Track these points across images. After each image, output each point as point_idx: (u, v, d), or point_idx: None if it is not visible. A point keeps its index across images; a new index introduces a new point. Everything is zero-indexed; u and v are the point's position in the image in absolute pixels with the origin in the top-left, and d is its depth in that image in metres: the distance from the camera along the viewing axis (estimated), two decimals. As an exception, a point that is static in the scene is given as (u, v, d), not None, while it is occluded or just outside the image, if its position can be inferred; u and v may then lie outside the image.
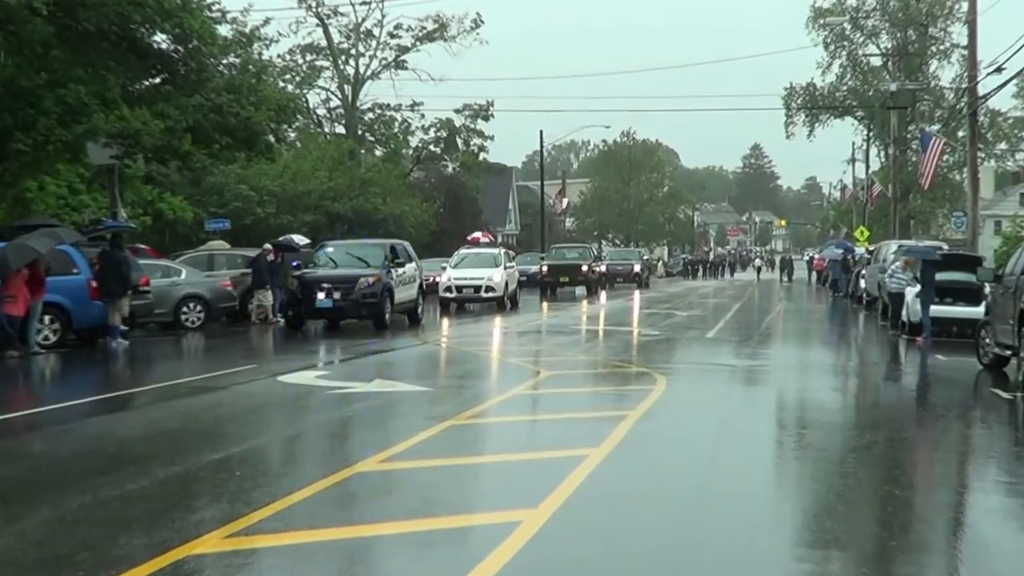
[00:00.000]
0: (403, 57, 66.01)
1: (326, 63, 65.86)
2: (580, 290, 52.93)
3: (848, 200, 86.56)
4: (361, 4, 64.79)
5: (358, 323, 29.20)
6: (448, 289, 38.26)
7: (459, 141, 67.42)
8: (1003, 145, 73.25)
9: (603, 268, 58.45)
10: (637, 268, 64.94)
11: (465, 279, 38.21)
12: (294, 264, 31.39)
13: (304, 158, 53.87)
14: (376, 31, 65.36)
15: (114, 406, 15.22)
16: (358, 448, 11.84)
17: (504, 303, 38.34)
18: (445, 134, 66.94)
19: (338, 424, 13.49)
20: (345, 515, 8.59)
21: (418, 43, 65.18)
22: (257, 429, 13.34)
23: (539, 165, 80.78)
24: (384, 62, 66.09)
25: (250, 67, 31.29)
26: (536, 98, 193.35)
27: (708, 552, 7.52)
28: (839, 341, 28.24)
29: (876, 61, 69.37)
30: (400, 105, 66.04)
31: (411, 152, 68.21)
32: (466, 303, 38.93)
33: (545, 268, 52.13)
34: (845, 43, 70.33)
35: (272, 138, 33.00)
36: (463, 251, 42.10)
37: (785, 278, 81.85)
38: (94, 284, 24.00)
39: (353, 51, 65.87)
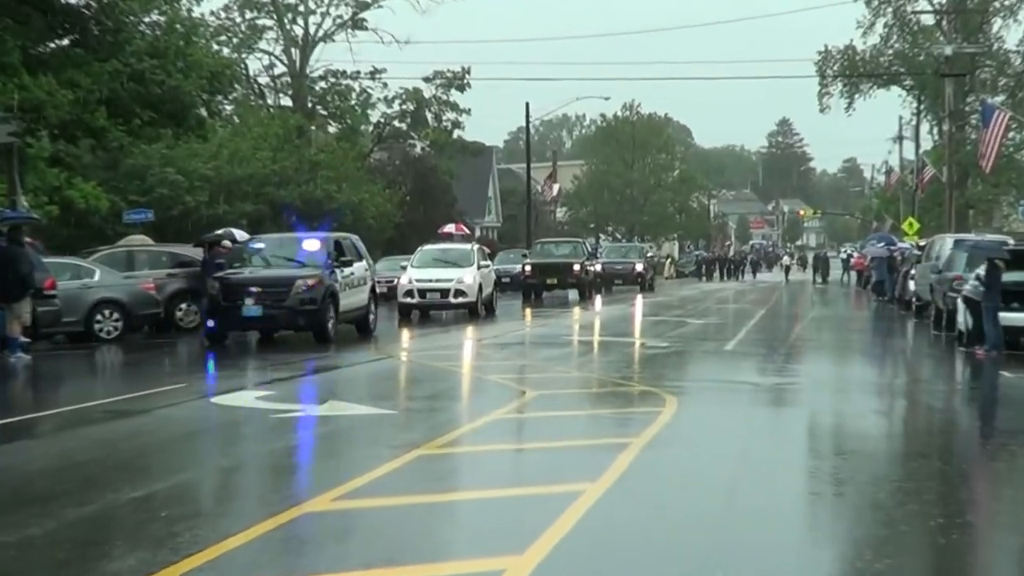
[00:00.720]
0: (362, 15, 66.14)
1: (269, 22, 65.98)
2: (572, 294, 53.00)
3: (894, 186, 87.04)
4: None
5: (297, 335, 29.09)
6: (408, 293, 37.99)
7: (429, 116, 67.45)
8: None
9: (598, 267, 58.44)
10: (640, 267, 65.14)
11: (430, 281, 37.92)
12: (217, 263, 30.98)
13: (243, 136, 53.78)
14: (330, -18, 65.51)
15: (13, 434, 15.14)
16: (307, 483, 11.83)
17: (478, 310, 38.34)
18: (412, 107, 66.96)
19: (283, 454, 13.48)
20: (291, 564, 8.56)
21: (380, -4, 65.36)
22: (186, 461, 13.32)
23: (525, 144, 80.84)
24: (339, 20, 66.22)
25: (177, 26, 31.28)
26: (521, 64, 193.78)
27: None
28: (883, 354, 28.29)
29: (928, 19, 69.61)
30: (358, 73, 66.07)
31: (371, 129, 68.21)
32: (431, 310, 38.91)
33: (528, 268, 52.21)
34: (891, -2, 70.62)
35: (204, 112, 32.98)
36: (428, 247, 42.04)
37: (819, 279, 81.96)
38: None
39: (302, 7, 65.91)
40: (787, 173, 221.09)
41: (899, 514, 10.40)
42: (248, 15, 65.09)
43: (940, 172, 63.76)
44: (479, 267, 39.25)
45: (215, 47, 43.65)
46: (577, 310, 44.93)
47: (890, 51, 72.57)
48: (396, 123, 68.19)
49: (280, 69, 67.27)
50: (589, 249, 58.60)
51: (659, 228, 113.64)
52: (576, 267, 52.07)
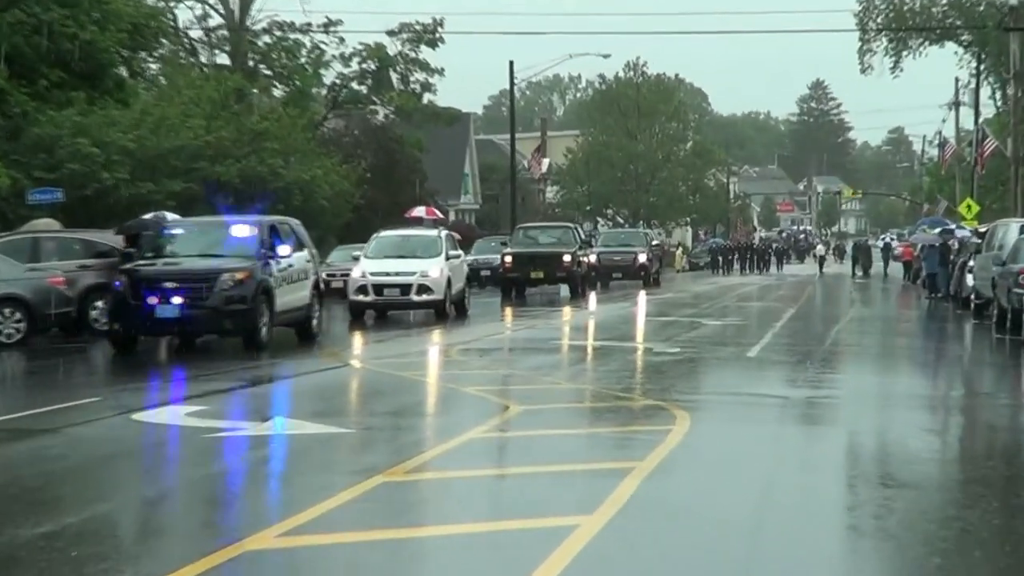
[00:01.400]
0: (314, -45, 66.03)
1: (203, -37, 65.70)
2: (562, 291, 53.06)
3: (949, 161, 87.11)
4: None
5: (223, 341, 29.04)
6: (361, 290, 37.64)
7: (394, 77, 67.40)
8: None
9: (593, 258, 58.50)
10: (643, 258, 65.08)
11: (387, 275, 37.63)
12: (127, 253, 30.47)
13: (171, 101, 53.58)
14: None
15: None
16: (249, 516, 11.79)
17: (446, 310, 38.15)
18: (374, 67, 66.88)
19: (219, 482, 13.47)
20: (228, 613, 8.55)
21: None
22: (102, 490, 13.26)
23: (509, 111, 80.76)
24: (286, -39, 66.11)
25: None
26: (504, 15, 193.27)
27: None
28: (936, 362, 28.33)
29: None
30: (309, 25, 66.04)
31: (325, 93, 68.06)
32: (389, 310, 38.89)
33: (507, 259, 51.97)
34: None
35: (124, 72, 32.90)
36: (386, 234, 41.72)
37: (859, 272, 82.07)
38: None
39: (242, -54, 65.75)
40: (821, 146, 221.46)
41: (960, 562, 10.29)
42: (177, -45, 64.95)
43: (1004, 144, 63.88)
44: (448, 258, 38.97)
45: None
46: (568, 310, 44.95)
47: (944, 2, 72.66)
48: (354, 85, 68.14)
49: (216, 20, 67.17)
50: (582, 236, 57.96)
51: (669, 211, 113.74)
52: (566, 258, 51.60)
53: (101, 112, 44.72)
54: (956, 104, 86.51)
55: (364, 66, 66.92)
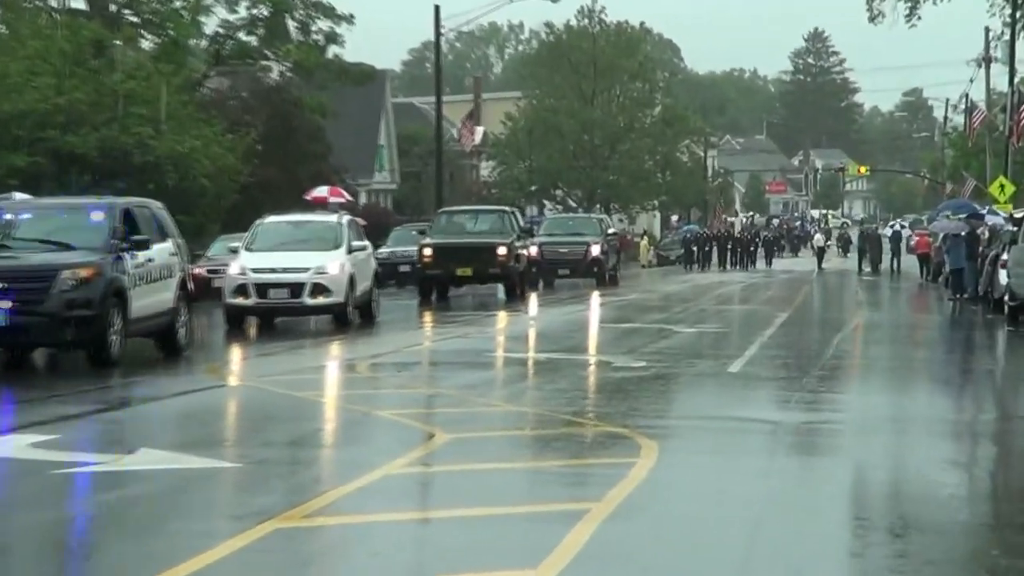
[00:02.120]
0: None
1: None
2: (497, 291, 53.32)
3: (978, 130, 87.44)
4: None
5: (63, 354, 28.91)
6: (240, 291, 37.40)
7: (291, 25, 67.23)
8: None
9: (534, 251, 58.48)
10: (596, 250, 65.18)
11: (273, 272, 37.44)
12: None
13: (12, 54, 53.36)
14: None
15: None
16: (107, 573, 11.74)
17: (347, 315, 38.02)
18: (267, 12, 66.70)
19: (70, 529, 13.38)
20: None
21: None
22: (-77, 540, 13.17)
23: (434, 68, 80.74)
24: None
25: None
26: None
27: None
28: (963, 379, 28.49)
29: None
30: (186, -39, 65.74)
31: (206, 45, 67.83)
32: (276, 316, 38.88)
33: (427, 252, 51.60)
34: None
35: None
36: (271, 220, 41.25)
37: (867, 267, 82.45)
38: None
39: None
40: (820, 111, 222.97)
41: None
42: None
43: (1045, 110, 64.28)
44: (351, 250, 38.97)
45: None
46: (504, 315, 45.16)
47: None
48: (242, 36, 67.97)
49: (68, -48, 66.79)
50: (520, 223, 57.62)
51: (632, 193, 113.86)
52: (501, 250, 51.18)
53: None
54: (987, 60, 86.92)
55: (254, 12, 66.83)
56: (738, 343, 34.22)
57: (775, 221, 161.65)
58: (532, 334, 37.92)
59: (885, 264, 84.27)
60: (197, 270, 41.89)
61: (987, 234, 50.64)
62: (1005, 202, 59.37)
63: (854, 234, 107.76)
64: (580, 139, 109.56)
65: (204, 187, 53.79)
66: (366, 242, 42.06)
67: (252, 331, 37.46)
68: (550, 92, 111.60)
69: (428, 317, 43.72)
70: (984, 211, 56.43)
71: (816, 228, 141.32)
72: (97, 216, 28.93)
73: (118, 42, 63.02)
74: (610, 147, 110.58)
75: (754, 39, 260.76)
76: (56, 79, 52.29)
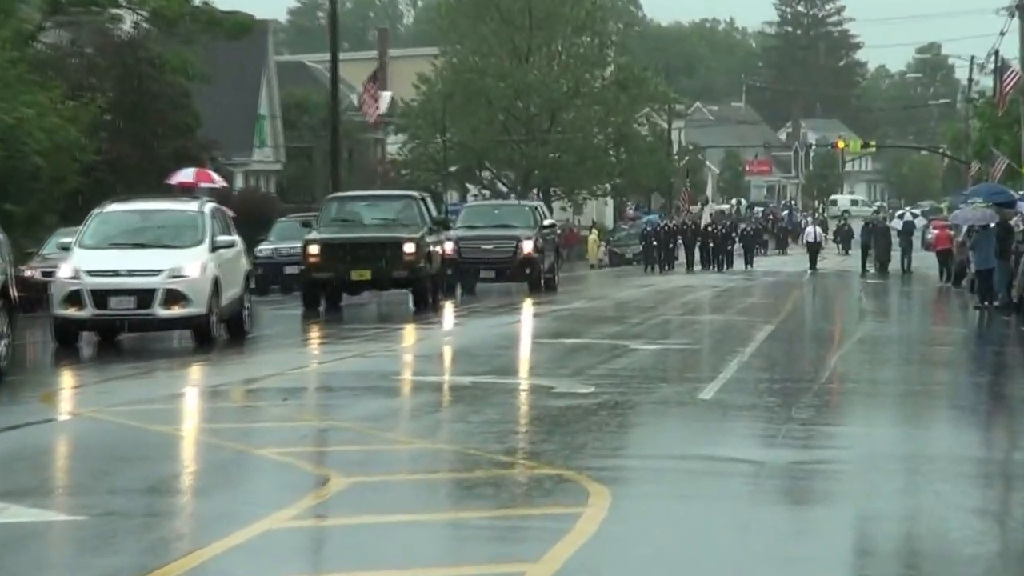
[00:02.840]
0: None
1: None
2: (402, 299, 53.78)
3: (1011, 95, 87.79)
4: None
5: None
6: (72, 299, 37.35)
7: (148, -37, 67.29)
8: None
9: (449, 247, 58.76)
10: (528, 247, 65.53)
11: (115, 275, 37.44)
12: None
13: None
14: None
15: None
16: None
17: (210, 330, 38.00)
18: (117, -46, 66.82)
19: None
20: None
21: None
22: None
23: (329, 19, 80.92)
24: None
25: None
26: None
27: None
28: (992, 407, 28.83)
29: None
30: None
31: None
32: (121, 330, 38.92)
33: (313, 249, 51.69)
34: None
35: None
36: (113, 210, 41.05)
37: (872, 267, 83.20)
38: None
39: None
40: (814, 73, 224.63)
41: None
42: None
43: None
44: (215, 247, 38.92)
45: None
46: (413, 329, 45.70)
47: None
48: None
49: None
50: (433, 212, 57.92)
51: (578, 174, 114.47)
52: (408, 247, 51.29)
53: None
54: (1021, 7, 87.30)
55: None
56: (711, 363, 34.76)
57: (758, 210, 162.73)
58: (449, 352, 38.18)
59: (895, 263, 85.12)
60: (28, 272, 41.67)
61: (1022, 226, 50.94)
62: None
63: (856, 226, 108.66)
64: (512, 107, 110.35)
65: (38, 167, 53.70)
66: (235, 237, 41.76)
67: (90, 351, 37.31)
68: (474, 48, 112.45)
69: (317, 332, 44.00)
70: (1018, 197, 56.76)
71: (808, 219, 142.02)
72: None
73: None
74: (550, 117, 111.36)
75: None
76: None
